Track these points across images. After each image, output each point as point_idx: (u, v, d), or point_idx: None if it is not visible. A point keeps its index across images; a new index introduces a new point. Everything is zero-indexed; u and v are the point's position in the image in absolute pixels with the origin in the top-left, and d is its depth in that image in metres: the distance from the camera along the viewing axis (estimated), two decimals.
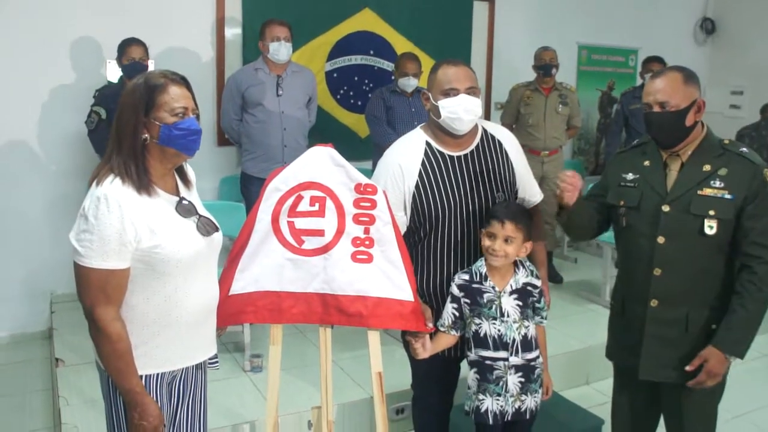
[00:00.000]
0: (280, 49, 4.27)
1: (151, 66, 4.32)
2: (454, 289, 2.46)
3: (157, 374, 1.98)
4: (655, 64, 5.37)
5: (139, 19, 4.60)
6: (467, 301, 2.43)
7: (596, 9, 6.68)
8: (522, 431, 2.54)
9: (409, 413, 3.20)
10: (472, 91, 2.43)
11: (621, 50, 6.95)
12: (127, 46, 4.18)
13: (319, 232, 2.29)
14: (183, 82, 1.96)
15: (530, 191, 2.67)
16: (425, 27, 5.77)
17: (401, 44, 5.63)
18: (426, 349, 2.40)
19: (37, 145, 4.55)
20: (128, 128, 1.90)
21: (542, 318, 2.51)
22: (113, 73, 4.54)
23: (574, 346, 4.17)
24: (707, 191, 2.28)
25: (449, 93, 2.42)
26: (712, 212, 2.27)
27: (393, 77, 4.89)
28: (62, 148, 4.59)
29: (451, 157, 2.51)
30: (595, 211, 2.59)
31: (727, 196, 2.26)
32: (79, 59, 4.58)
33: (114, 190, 1.84)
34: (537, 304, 2.47)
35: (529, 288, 2.45)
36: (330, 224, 2.30)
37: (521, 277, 2.45)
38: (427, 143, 2.52)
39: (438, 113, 2.44)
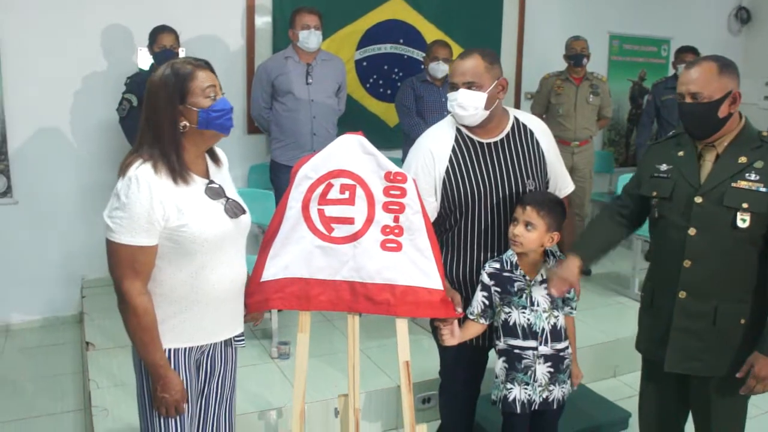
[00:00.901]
0: (309, 38, 4.26)
1: (182, 54, 4.34)
2: (485, 278, 2.45)
3: (184, 349, 2.03)
4: (688, 55, 5.27)
5: (170, 7, 4.62)
6: (497, 289, 2.43)
7: None
8: (549, 422, 2.54)
9: (436, 402, 3.21)
10: (471, 85, 2.42)
11: (653, 40, 6.83)
12: (158, 33, 4.21)
13: (349, 220, 2.29)
14: (207, 65, 2.03)
15: (562, 181, 2.67)
16: (455, 15, 5.73)
17: (431, 33, 5.60)
18: (454, 335, 2.40)
19: (70, 133, 4.60)
20: (166, 119, 1.94)
21: (572, 309, 2.50)
22: (144, 60, 4.58)
23: (602, 338, 4.14)
24: (742, 184, 2.22)
25: (452, 87, 2.47)
26: (745, 205, 2.21)
27: (423, 66, 4.86)
28: (94, 135, 4.64)
29: (481, 144, 2.51)
30: (611, 228, 2.57)
31: (762, 189, 2.21)
32: (111, 47, 4.62)
33: (144, 172, 1.90)
34: (567, 295, 2.46)
35: None
36: (360, 212, 2.30)
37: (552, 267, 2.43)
38: (458, 130, 2.52)
39: None
